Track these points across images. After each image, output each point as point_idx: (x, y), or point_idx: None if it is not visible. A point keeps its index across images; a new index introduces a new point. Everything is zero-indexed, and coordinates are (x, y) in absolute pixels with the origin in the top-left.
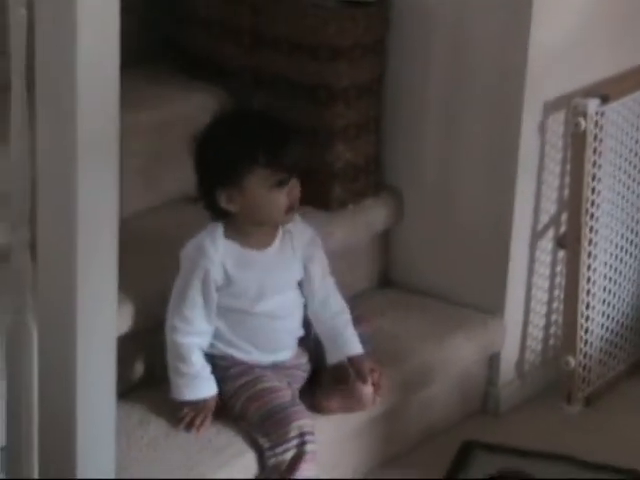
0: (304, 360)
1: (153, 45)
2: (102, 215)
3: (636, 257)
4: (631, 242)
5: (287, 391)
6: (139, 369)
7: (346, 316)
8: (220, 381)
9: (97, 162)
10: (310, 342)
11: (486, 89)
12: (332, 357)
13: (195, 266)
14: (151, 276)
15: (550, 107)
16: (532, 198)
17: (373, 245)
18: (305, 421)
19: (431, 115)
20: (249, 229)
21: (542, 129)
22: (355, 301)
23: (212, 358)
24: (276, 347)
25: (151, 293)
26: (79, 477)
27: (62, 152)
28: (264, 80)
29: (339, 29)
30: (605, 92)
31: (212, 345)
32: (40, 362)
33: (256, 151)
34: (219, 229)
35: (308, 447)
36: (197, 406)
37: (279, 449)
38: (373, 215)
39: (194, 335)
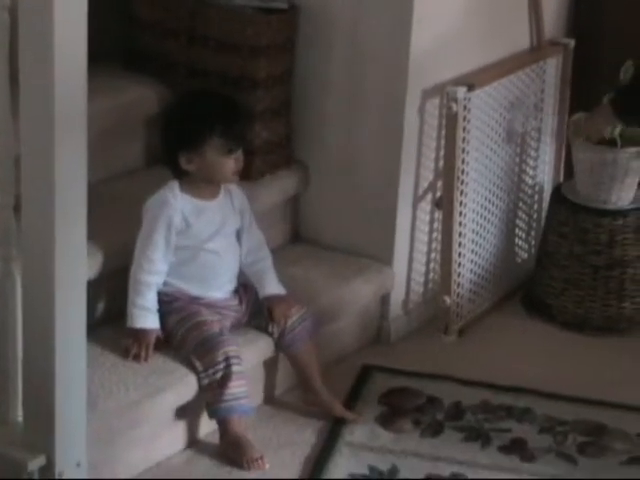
0: (234, 303)
1: (104, 45)
2: (74, 180)
3: (497, 215)
4: (493, 203)
5: (217, 324)
6: (100, 309)
7: (269, 262)
8: (164, 315)
9: (69, 137)
10: (240, 291)
11: (377, 79)
12: (260, 294)
13: (159, 215)
14: (112, 231)
15: (428, 94)
16: (414, 168)
17: (286, 208)
18: (231, 347)
19: (332, 100)
20: (201, 185)
21: (421, 111)
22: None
23: (159, 294)
24: (216, 283)
25: (112, 245)
26: (57, 397)
27: (41, 129)
28: (197, 73)
29: (257, 31)
30: (471, 82)
31: (164, 282)
32: (23, 305)
33: (214, 124)
34: (176, 185)
35: (234, 368)
36: (142, 335)
37: (210, 371)
38: (286, 183)
39: (154, 274)
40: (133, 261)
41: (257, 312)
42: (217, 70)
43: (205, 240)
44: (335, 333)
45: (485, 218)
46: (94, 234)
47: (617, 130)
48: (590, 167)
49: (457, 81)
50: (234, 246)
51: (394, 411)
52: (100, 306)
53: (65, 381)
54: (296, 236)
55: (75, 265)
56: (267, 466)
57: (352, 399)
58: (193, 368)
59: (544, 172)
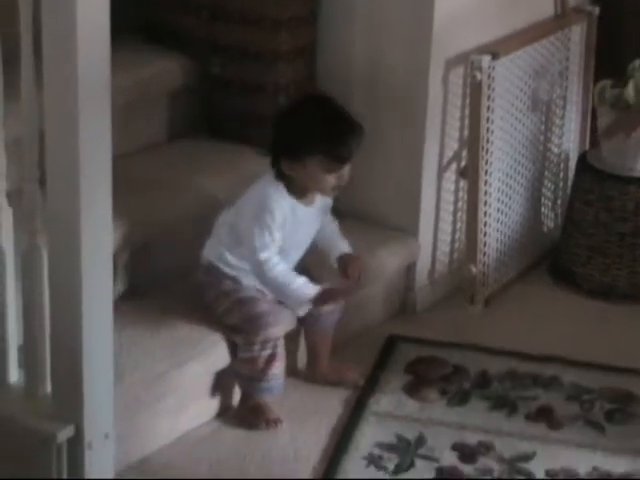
0: None
1: (127, 19)
2: (99, 153)
3: (522, 184)
4: (518, 172)
5: (268, 303)
6: (125, 283)
7: (336, 226)
8: (208, 286)
9: (93, 110)
10: None
11: (399, 50)
12: (333, 255)
13: (272, 212)
14: (136, 205)
15: (451, 63)
16: (438, 137)
17: None
18: (280, 327)
19: (356, 72)
20: (301, 190)
21: (445, 81)
22: None
23: (216, 268)
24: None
25: (136, 219)
26: (85, 369)
27: (65, 102)
28: (219, 47)
29: (279, 4)
30: (495, 50)
31: (230, 264)
32: (50, 278)
33: (321, 141)
34: (282, 186)
35: (279, 350)
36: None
37: (256, 347)
38: None
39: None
40: (256, 254)
41: None
42: (239, 44)
43: (291, 242)
44: (361, 303)
45: (510, 187)
46: (118, 208)
47: None
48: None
49: (481, 50)
50: (309, 243)
51: (420, 380)
52: (125, 280)
53: (92, 353)
54: None
55: (101, 238)
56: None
57: (378, 368)
58: (236, 339)
59: (569, 140)
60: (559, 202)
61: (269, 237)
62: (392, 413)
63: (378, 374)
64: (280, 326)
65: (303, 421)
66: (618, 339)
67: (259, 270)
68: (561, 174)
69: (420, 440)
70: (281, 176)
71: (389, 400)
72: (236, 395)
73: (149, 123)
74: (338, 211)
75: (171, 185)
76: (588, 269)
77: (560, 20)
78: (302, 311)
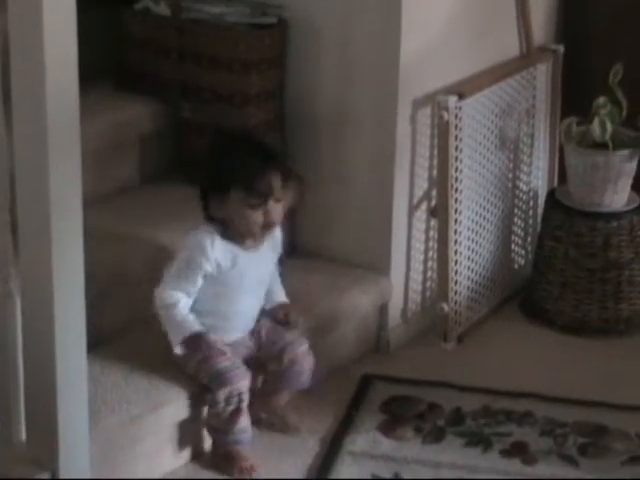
0: (248, 341)
1: (98, 64)
2: (70, 200)
3: (492, 222)
4: (488, 210)
5: (228, 357)
6: (99, 328)
7: (276, 273)
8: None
9: (64, 156)
10: (256, 331)
11: (367, 90)
12: (269, 304)
13: (191, 260)
14: (107, 250)
15: (419, 103)
16: (408, 177)
17: (283, 220)
18: (243, 382)
19: (325, 112)
20: (238, 235)
21: (413, 121)
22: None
23: None
24: (238, 325)
25: (109, 264)
26: (60, 415)
27: (35, 149)
28: (190, 90)
29: (248, 47)
30: (462, 90)
31: None
32: (23, 325)
33: (239, 176)
34: (215, 232)
35: (243, 405)
36: (197, 339)
37: (221, 405)
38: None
39: (179, 302)
40: (156, 293)
41: (266, 345)
42: (209, 87)
43: (236, 288)
44: (334, 343)
45: (481, 225)
46: (90, 253)
47: (608, 133)
48: (583, 171)
49: (448, 90)
50: (264, 289)
51: (395, 419)
52: (99, 325)
53: (67, 399)
54: (293, 248)
55: (73, 284)
56: (256, 472)
57: (353, 408)
58: (204, 397)
59: (538, 177)
60: (529, 239)
61: (179, 277)
62: (368, 452)
63: (353, 414)
64: (242, 381)
65: (278, 461)
66: (590, 373)
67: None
68: (530, 211)
69: (397, 477)
70: (213, 221)
71: (364, 439)
72: (208, 439)
73: (121, 168)
74: (309, 252)
75: (129, 234)
76: (559, 305)
77: (525, 59)
78: (177, 349)
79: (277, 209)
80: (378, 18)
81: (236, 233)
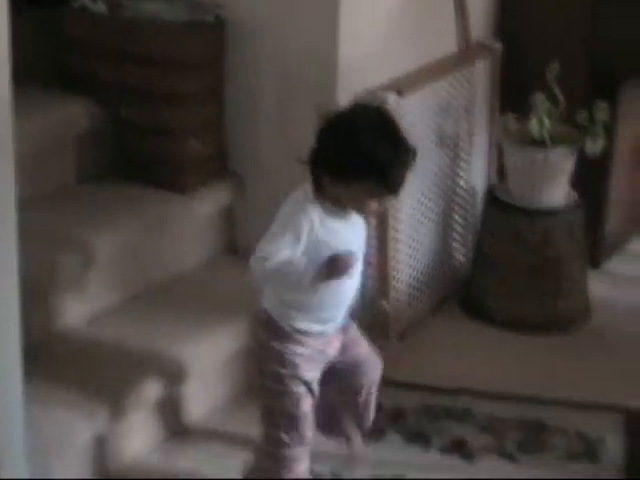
0: (336, 344)
1: (37, 64)
2: (3, 201)
3: (432, 219)
4: (428, 207)
5: (308, 401)
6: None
7: None
8: (267, 339)
9: None
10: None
11: (307, 88)
12: None
13: (294, 219)
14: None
15: (359, 99)
16: None
17: (221, 220)
18: (309, 434)
19: (264, 111)
20: (337, 205)
21: None
22: None
23: (265, 313)
24: (328, 315)
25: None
26: None
27: None
28: (127, 90)
29: (186, 46)
30: (401, 87)
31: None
32: None
33: (377, 169)
34: (312, 195)
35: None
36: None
37: (284, 448)
38: (220, 195)
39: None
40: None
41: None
42: (147, 86)
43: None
44: None
45: (420, 222)
46: (26, 254)
47: (546, 130)
48: (521, 167)
49: (387, 87)
50: (357, 273)
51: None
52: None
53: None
54: (232, 247)
55: (8, 285)
56: None
57: None
58: (269, 431)
59: (477, 174)
60: (469, 236)
61: (280, 241)
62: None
63: None
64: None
65: (215, 465)
66: (530, 370)
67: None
68: (470, 208)
69: (337, 477)
70: (318, 189)
71: None
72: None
73: (58, 168)
74: (248, 251)
75: (65, 235)
76: (499, 302)
77: (464, 56)
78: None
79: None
80: (317, 16)
81: (340, 206)
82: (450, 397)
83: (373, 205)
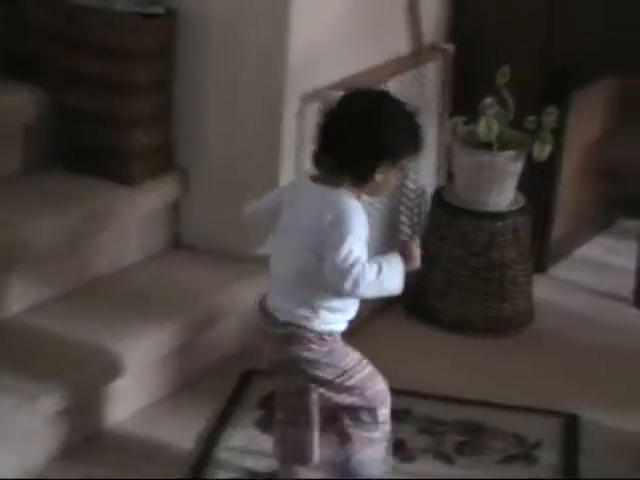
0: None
1: None
2: None
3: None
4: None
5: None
6: None
7: None
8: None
9: None
10: None
11: (255, 84)
12: None
13: (363, 226)
14: None
15: (307, 98)
16: (293, 172)
17: (167, 213)
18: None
19: (212, 105)
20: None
21: (300, 116)
22: None
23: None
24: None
25: None
26: None
27: None
28: (77, 78)
29: (136, 37)
30: (349, 86)
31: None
32: None
33: (416, 139)
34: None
35: None
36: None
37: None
38: (166, 188)
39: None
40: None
41: None
42: (97, 75)
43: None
44: (217, 338)
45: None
46: None
47: (494, 134)
48: (468, 170)
49: (337, 86)
50: None
51: (273, 415)
52: None
53: None
54: (177, 241)
55: None
56: None
57: (232, 404)
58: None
59: (426, 176)
60: (416, 237)
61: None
62: (245, 448)
63: (231, 409)
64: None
65: (152, 461)
66: (472, 372)
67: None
68: (416, 210)
69: (273, 475)
70: (361, 182)
71: (241, 435)
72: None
73: (4, 157)
74: (193, 245)
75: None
76: (444, 303)
77: (416, 57)
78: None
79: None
80: (268, 12)
81: (365, 192)
82: (391, 398)
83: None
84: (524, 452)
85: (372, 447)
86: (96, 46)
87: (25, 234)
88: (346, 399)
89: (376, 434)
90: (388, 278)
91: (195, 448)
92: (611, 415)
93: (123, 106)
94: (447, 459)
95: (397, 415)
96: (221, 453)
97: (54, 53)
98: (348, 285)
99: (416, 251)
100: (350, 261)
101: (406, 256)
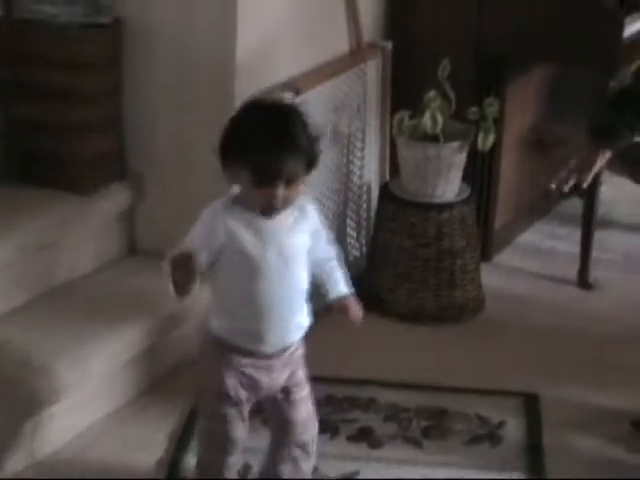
0: (278, 368)
1: None
2: None
3: (327, 216)
4: (322, 204)
5: (242, 426)
6: None
7: (335, 264)
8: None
9: None
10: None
11: (205, 87)
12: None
13: (205, 221)
14: None
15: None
16: None
17: (121, 220)
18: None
19: (163, 111)
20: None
21: None
22: None
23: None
24: (267, 327)
25: None
26: None
27: None
28: (25, 89)
29: (82, 47)
30: (297, 86)
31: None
32: None
33: (250, 153)
34: (231, 196)
35: None
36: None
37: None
38: (120, 196)
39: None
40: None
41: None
42: (45, 86)
43: (261, 265)
44: (180, 339)
45: None
46: None
47: (439, 126)
48: (415, 163)
49: (284, 86)
50: (297, 277)
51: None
52: None
53: None
54: (132, 248)
55: None
56: None
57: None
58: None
59: (371, 171)
60: (363, 231)
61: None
62: None
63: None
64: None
65: (130, 456)
66: (428, 359)
67: None
68: (364, 204)
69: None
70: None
71: None
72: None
73: None
74: (149, 250)
75: None
76: (396, 295)
77: (356, 55)
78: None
79: (288, 192)
80: (214, 17)
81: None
82: (354, 388)
83: (259, 196)
84: (489, 432)
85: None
86: (44, 58)
87: None
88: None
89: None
90: None
91: (168, 448)
92: (568, 392)
93: (73, 115)
94: (416, 443)
95: (362, 404)
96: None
97: (2, 65)
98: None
99: (353, 307)
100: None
101: (344, 313)
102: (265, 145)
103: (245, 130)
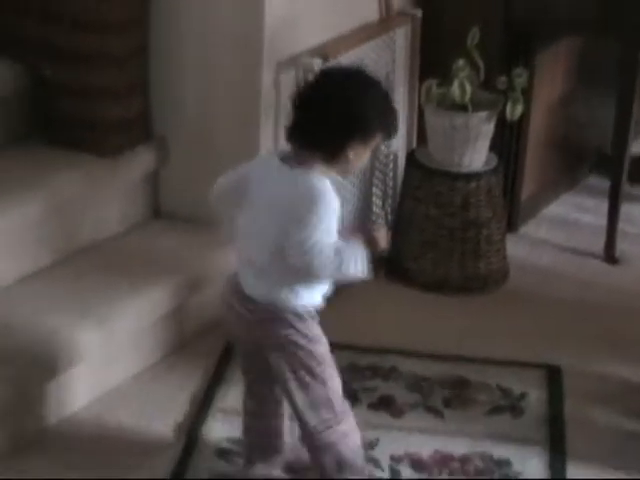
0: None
1: None
2: None
3: (353, 183)
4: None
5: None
6: None
7: None
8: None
9: None
10: None
11: (232, 53)
12: None
13: (332, 210)
14: None
15: (283, 66)
16: (271, 140)
17: (146, 183)
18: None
19: (189, 75)
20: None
21: (277, 83)
22: None
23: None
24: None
25: None
26: None
27: None
28: (52, 51)
29: (109, 7)
30: (325, 53)
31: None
32: None
33: (385, 116)
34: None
35: None
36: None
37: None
38: (144, 159)
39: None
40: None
41: None
42: (71, 47)
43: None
44: (203, 303)
45: (342, 186)
46: None
47: (467, 95)
48: (442, 132)
49: (311, 52)
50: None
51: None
52: None
53: None
54: (157, 211)
55: None
56: None
57: (223, 365)
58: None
59: (398, 139)
60: (389, 200)
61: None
62: (238, 409)
63: (223, 371)
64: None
65: (150, 419)
66: (451, 329)
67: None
68: (390, 172)
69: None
70: (331, 160)
71: (234, 396)
72: None
73: None
74: (174, 212)
75: None
76: (421, 264)
77: (385, 23)
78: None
79: None
80: None
81: (336, 171)
82: (376, 356)
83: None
84: (510, 403)
85: (347, 438)
86: (70, 17)
87: (5, 207)
88: (320, 390)
89: (343, 426)
90: (348, 265)
91: (190, 411)
92: (590, 365)
93: (99, 77)
94: (437, 413)
95: (384, 373)
96: (217, 414)
97: (29, 26)
98: (306, 269)
99: (379, 234)
100: (309, 244)
101: (369, 240)
102: (391, 104)
103: (371, 100)
